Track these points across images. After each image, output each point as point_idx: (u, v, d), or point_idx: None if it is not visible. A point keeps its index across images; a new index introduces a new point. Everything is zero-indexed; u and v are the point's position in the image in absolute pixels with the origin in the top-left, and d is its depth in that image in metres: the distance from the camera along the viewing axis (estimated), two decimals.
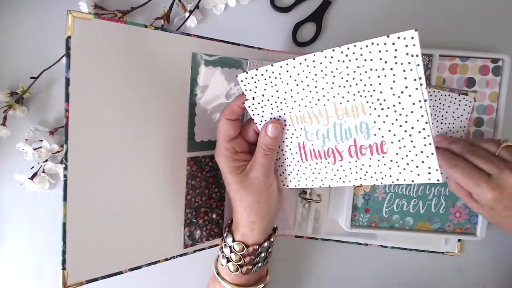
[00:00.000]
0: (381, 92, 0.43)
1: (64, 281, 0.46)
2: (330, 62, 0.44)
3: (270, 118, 0.51)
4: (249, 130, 0.53)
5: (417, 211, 0.65)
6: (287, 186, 0.55)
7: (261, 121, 0.52)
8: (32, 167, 0.67)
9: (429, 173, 0.43)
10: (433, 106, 0.60)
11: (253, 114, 0.52)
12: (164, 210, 0.56)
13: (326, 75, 0.45)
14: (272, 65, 0.47)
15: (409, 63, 0.40)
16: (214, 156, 0.60)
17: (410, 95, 0.41)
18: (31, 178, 0.66)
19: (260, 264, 0.56)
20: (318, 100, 0.47)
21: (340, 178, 0.49)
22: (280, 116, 0.51)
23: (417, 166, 0.43)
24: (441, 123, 0.61)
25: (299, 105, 0.49)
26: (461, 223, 0.65)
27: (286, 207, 0.68)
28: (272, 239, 0.57)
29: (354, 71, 0.43)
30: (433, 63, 0.64)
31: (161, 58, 0.53)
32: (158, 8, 0.68)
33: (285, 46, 0.70)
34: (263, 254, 0.56)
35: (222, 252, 0.57)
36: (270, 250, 0.57)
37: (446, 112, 0.61)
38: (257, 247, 0.54)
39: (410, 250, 0.70)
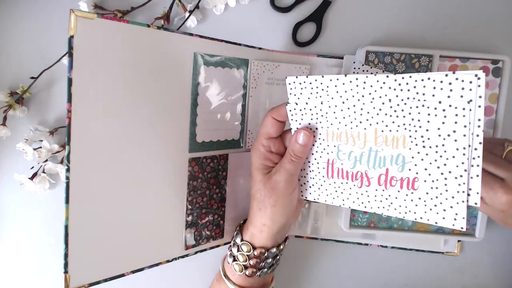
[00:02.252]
0: (427, 130, 0.41)
1: (66, 285, 0.46)
2: (381, 88, 0.43)
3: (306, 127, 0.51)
4: (289, 135, 0.52)
5: None
6: (305, 197, 0.54)
7: (297, 127, 0.51)
8: (32, 167, 0.67)
9: (455, 219, 0.41)
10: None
11: (291, 119, 0.51)
12: (166, 211, 0.56)
13: (373, 99, 0.44)
14: (322, 77, 0.46)
15: (463, 108, 0.39)
16: (215, 157, 0.60)
17: (456, 140, 0.40)
18: (31, 178, 0.65)
19: (265, 270, 0.56)
20: (360, 122, 0.46)
21: (362, 203, 0.48)
22: (316, 128, 0.50)
23: (444, 210, 0.42)
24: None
25: (339, 122, 0.47)
26: None
27: None
28: (281, 247, 0.56)
29: (405, 103, 0.42)
30: (433, 64, 0.64)
31: (163, 58, 0.53)
32: (158, 8, 0.67)
33: (285, 46, 0.70)
34: (269, 260, 0.55)
35: (230, 250, 0.57)
36: (277, 257, 0.57)
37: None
38: (264, 251, 0.54)
39: (410, 250, 0.70)
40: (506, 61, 0.63)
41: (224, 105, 0.60)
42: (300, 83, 0.48)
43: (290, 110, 0.50)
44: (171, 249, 0.58)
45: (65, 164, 0.45)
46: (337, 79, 0.45)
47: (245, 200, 0.65)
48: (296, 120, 0.51)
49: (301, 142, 0.49)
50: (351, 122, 0.46)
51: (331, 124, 0.48)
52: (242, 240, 0.55)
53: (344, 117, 0.47)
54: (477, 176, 0.40)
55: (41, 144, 0.65)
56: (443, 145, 0.41)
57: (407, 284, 0.72)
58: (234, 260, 0.55)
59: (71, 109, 0.44)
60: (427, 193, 0.43)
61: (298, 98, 0.49)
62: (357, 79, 0.44)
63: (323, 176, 0.51)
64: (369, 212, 0.65)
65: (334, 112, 0.47)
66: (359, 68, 0.64)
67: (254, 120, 0.64)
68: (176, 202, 0.57)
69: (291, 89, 0.49)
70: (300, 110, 0.50)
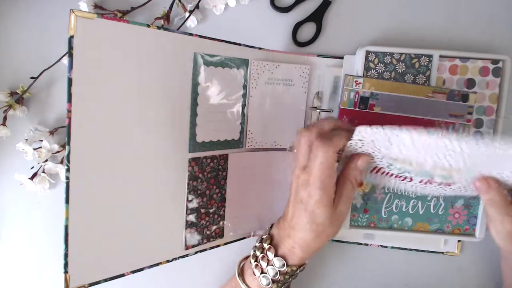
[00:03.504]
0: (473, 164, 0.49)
1: (66, 285, 0.46)
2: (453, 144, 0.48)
3: None
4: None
5: (416, 211, 0.66)
6: None
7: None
8: (32, 167, 0.67)
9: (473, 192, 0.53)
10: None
11: (348, 150, 0.52)
12: (166, 211, 0.56)
13: (446, 148, 0.48)
14: (396, 129, 0.47)
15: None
16: (215, 157, 0.60)
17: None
18: (31, 178, 0.66)
19: (287, 284, 0.55)
20: (426, 159, 0.50)
21: (399, 187, 0.56)
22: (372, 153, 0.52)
23: (466, 191, 0.54)
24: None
25: (401, 153, 0.50)
26: (460, 224, 0.66)
27: None
28: (307, 261, 0.56)
29: (467, 153, 0.47)
30: (433, 64, 0.64)
31: (163, 58, 0.53)
32: (158, 8, 0.67)
33: (285, 46, 0.70)
34: (297, 275, 0.55)
35: (257, 262, 0.54)
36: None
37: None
38: (296, 268, 0.53)
39: (410, 250, 0.70)
40: (506, 61, 0.63)
41: (224, 105, 0.60)
42: (371, 129, 0.48)
43: (350, 145, 0.51)
44: (171, 249, 0.58)
45: (65, 164, 0.45)
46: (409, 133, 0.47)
47: (245, 200, 0.65)
48: (351, 150, 0.52)
49: (360, 166, 0.51)
50: (414, 155, 0.50)
51: (390, 151, 0.50)
52: (276, 255, 0.53)
53: (406, 151, 0.49)
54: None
55: (41, 144, 0.65)
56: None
57: (407, 284, 0.72)
58: (262, 272, 0.53)
59: (71, 109, 0.45)
60: (459, 186, 0.53)
61: (364, 137, 0.49)
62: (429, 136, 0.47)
63: (366, 175, 0.56)
64: (369, 212, 0.65)
65: (399, 148, 0.49)
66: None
67: (254, 120, 0.64)
68: (176, 202, 0.57)
69: (357, 134, 0.49)
70: (363, 145, 0.51)
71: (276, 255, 0.53)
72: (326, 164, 0.48)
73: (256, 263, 0.54)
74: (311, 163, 0.49)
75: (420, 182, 0.54)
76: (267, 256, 0.54)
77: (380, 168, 0.54)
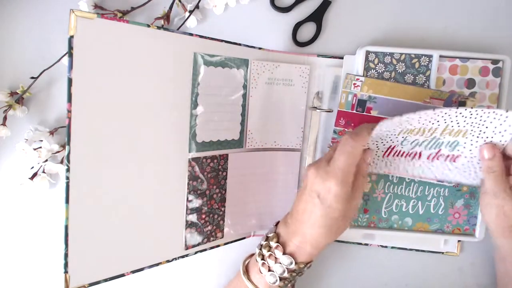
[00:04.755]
0: (486, 127, 0.53)
1: (66, 285, 0.46)
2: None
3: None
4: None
5: (416, 211, 0.66)
6: None
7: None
8: (32, 167, 0.67)
9: (474, 179, 0.59)
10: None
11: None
12: (165, 211, 0.56)
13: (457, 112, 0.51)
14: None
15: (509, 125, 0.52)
16: (215, 157, 0.60)
17: (502, 135, 0.53)
18: (31, 178, 0.65)
19: (294, 281, 0.55)
20: (437, 121, 0.52)
21: (407, 171, 0.60)
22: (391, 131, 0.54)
23: (469, 174, 0.58)
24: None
25: (418, 122, 0.52)
26: (460, 224, 0.66)
27: (286, 206, 0.68)
28: (314, 258, 0.55)
29: (477, 113, 0.51)
30: (433, 64, 0.64)
31: (163, 58, 0.53)
32: (158, 8, 0.67)
33: (285, 46, 0.70)
34: (303, 272, 0.55)
35: (264, 260, 0.54)
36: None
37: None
38: (303, 265, 0.53)
39: (410, 250, 0.70)
40: (506, 61, 0.63)
41: (224, 105, 0.60)
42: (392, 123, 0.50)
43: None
44: (171, 249, 0.58)
45: (65, 164, 0.45)
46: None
47: (245, 200, 0.65)
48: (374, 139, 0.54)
49: (369, 161, 0.54)
50: (430, 122, 0.53)
51: (410, 124, 0.53)
52: (284, 253, 0.53)
53: (425, 119, 0.52)
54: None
55: (41, 144, 0.65)
56: (492, 137, 0.54)
57: (407, 284, 0.72)
58: (269, 270, 0.53)
59: (71, 109, 0.45)
60: (462, 164, 0.58)
61: (387, 129, 0.52)
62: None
63: (379, 156, 0.59)
64: (369, 212, 0.65)
65: (420, 117, 0.51)
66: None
67: (254, 120, 0.64)
68: (176, 202, 0.57)
69: (382, 124, 0.50)
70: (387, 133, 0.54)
71: (284, 253, 0.53)
72: (353, 155, 0.50)
73: (263, 261, 0.54)
74: (338, 154, 0.50)
75: (428, 158, 0.58)
76: (275, 255, 0.53)
77: (392, 149, 0.57)
